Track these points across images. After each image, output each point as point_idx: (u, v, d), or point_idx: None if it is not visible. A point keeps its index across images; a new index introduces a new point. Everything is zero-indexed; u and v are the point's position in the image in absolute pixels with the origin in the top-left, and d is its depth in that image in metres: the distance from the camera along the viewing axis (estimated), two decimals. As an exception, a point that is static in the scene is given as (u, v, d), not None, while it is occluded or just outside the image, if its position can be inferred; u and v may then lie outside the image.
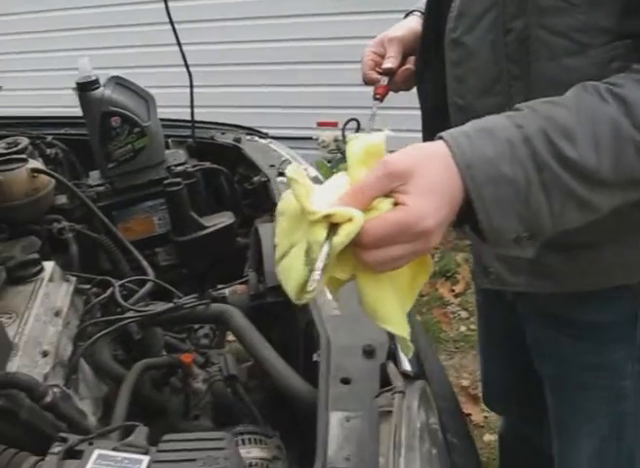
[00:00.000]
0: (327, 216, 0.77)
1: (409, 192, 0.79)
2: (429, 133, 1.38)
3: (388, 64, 1.35)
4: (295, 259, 0.82)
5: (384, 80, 1.36)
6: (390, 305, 0.86)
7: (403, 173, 0.79)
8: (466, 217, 0.84)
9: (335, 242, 0.76)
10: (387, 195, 0.80)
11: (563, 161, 0.83)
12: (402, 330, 0.86)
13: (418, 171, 0.79)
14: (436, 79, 1.24)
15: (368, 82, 1.40)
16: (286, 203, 0.88)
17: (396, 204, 0.79)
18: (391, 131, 0.87)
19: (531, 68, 1.03)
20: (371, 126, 1.26)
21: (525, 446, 1.86)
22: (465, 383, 2.98)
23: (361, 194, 0.79)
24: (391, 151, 0.84)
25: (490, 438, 2.68)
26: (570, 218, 0.87)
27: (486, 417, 2.81)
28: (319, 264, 0.77)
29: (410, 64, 1.37)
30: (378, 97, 1.36)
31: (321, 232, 0.77)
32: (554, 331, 1.33)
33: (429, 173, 0.80)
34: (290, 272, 0.83)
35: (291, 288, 0.83)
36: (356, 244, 0.78)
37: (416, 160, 0.81)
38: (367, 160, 0.85)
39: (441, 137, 0.85)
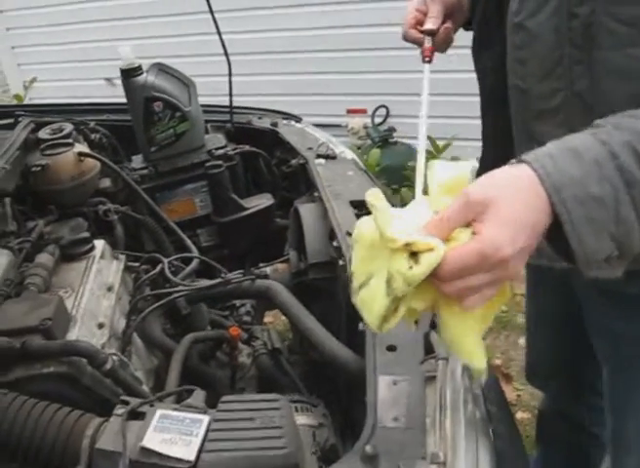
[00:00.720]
0: (407, 245, 0.76)
1: (486, 221, 0.77)
2: (490, 115, 1.38)
3: (429, 25, 1.33)
4: (376, 291, 0.82)
5: (428, 41, 1.33)
6: (473, 339, 0.85)
7: (483, 201, 0.78)
8: (556, 239, 0.82)
9: (415, 272, 0.75)
10: (469, 224, 0.79)
11: None
12: (481, 363, 0.85)
13: (498, 199, 0.78)
14: (495, 58, 1.25)
15: (408, 40, 1.37)
16: (361, 230, 0.87)
17: (474, 233, 0.78)
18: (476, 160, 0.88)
19: (593, 55, 1.03)
20: (426, 91, 1.24)
21: (566, 423, 1.87)
22: (498, 362, 3.02)
23: (443, 224, 0.79)
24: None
25: (522, 415, 2.72)
26: None
27: (519, 396, 2.84)
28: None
29: (449, 24, 1.35)
30: (427, 59, 1.33)
31: (402, 262, 0.76)
32: (607, 305, 1.32)
33: (510, 201, 0.78)
34: (371, 304, 0.83)
35: (372, 319, 0.83)
36: (435, 275, 0.77)
37: (498, 189, 0.79)
38: (451, 190, 0.85)
39: (522, 160, 0.83)
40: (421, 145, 1.07)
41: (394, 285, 0.77)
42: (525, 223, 0.78)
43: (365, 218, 0.88)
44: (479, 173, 1.47)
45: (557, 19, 1.06)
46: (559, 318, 1.63)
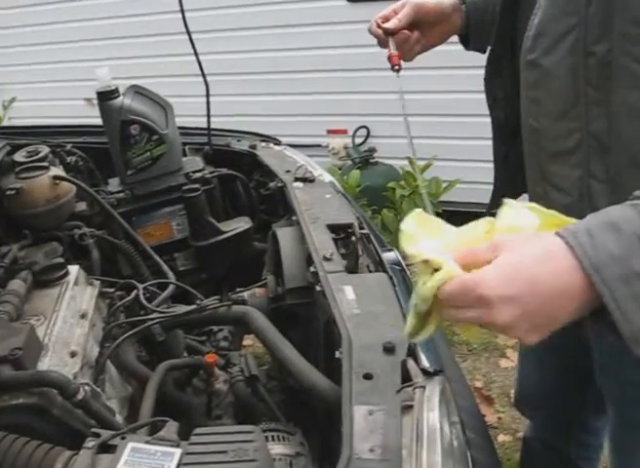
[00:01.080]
0: (425, 261, 0.80)
1: (493, 261, 0.78)
2: (500, 145, 1.37)
3: (387, 24, 1.36)
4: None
5: (393, 47, 1.36)
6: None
7: (503, 244, 0.78)
8: (601, 316, 0.79)
9: (427, 286, 0.80)
10: None
11: None
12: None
13: (515, 249, 0.78)
14: (507, 89, 1.24)
15: (371, 32, 1.41)
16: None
17: None
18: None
19: (612, 94, 1.01)
20: (403, 102, 1.24)
21: (552, 453, 1.85)
22: (479, 385, 3.01)
23: (466, 255, 0.80)
24: None
25: (504, 438, 2.70)
26: None
27: (500, 418, 2.83)
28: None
29: (416, 34, 1.38)
30: (396, 68, 1.36)
31: (423, 277, 0.80)
32: (618, 350, 1.30)
33: (525, 253, 0.78)
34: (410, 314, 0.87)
35: (408, 326, 0.88)
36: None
37: (523, 243, 0.79)
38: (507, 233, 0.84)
39: (558, 235, 0.80)
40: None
41: (414, 302, 0.83)
42: (530, 279, 0.77)
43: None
44: (493, 191, 1.46)
45: (573, 58, 1.04)
46: (553, 352, 1.60)
